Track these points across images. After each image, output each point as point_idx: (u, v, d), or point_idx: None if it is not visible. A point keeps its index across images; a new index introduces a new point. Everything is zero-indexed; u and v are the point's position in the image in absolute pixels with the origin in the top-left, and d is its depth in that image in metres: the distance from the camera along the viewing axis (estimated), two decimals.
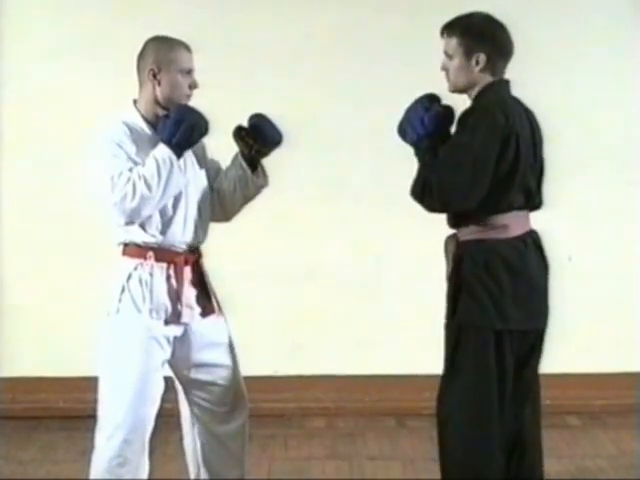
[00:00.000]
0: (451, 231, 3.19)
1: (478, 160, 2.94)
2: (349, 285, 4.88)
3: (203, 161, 3.23)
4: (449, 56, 3.07)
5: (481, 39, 3.02)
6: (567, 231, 4.84)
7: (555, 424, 4.47)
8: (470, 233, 3.07)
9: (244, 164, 3.17)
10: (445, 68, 3.09)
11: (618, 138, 4.88)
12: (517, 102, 3.12)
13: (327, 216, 4.84)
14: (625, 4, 4.81)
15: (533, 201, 3.11)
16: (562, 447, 4.32)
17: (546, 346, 4.68)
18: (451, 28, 3.07)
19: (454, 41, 3.05)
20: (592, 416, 4.78)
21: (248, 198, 3.25)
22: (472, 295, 3.03)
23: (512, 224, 3.05)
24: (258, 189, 3.23)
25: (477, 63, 3.03)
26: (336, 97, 4.81)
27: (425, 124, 3.02)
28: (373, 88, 4.78)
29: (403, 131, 3.10)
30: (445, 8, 4.70)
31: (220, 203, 3.25)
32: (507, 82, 3.12)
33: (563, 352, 4.80)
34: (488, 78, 3.06)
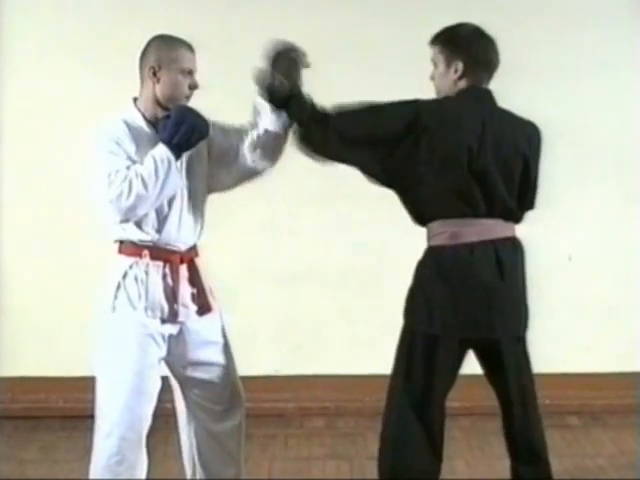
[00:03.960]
0: None
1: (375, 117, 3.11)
2: (349, 285, 4.88)
3: (220, 137, 3.19)
4: (434, 65, 3.18)
5: (459, 48, 3.12)
6: (567, 231, 4.85)
7: (555, 424, 4.47)
8: (428, 238, 3.16)
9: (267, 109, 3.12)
10: (432, 77, 3.21)
11: (618, 139, 4.88)
12: (477, 109, 3.10)
13: (327, 216, 4.84)
14: (626, 8, 4.82)
15: (481, 209, 3.07)
16: (562, 447, 4.32)
17: (547, 346, 4.69)
18: (436, 38, 3.18)
19: (437, 49, 3.16)
20: (592, 416, 4.78)
21: (286, 131, 3.19)
22: (411, 298, 3.16)
23: (462, 231, 3.07)
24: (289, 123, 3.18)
25: (456, 71, 3.11)
26: (336, 97, 4.81)
27: None
28: (373, 89, 4.77)
29: None
30: (444, 10, 4.77)
31: (265, 151, 3.17)
32: (484, 90, 3.16)
33: (563, 352, 4.82)
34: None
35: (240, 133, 3.21)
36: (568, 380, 4.80)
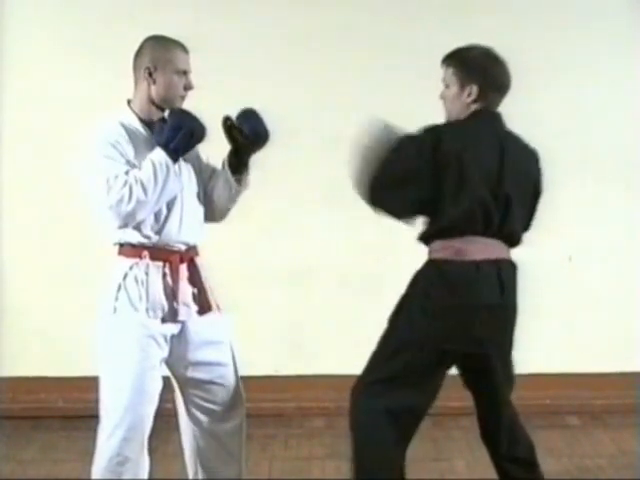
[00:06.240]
0: None
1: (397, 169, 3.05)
2: (349, 285, 4.88)
3: (196, 161, 3.23)
4: (446, 85, 3.15)
5: (475, 71, 3.09)
6: (567, 231, 4.85)
7: (555, 424, 4.47)
8: (429, 252, 3.15)
9: (227, 166, 3.17)
10: (443, 97, 3.17)
11: (618, 139, 4.88)
12: (494, 133, 3.12)
13: (327, 216, 4.84)
14: (626, 9, 4.82)
15: (492, 230, 3.08)
16: (562, 447, 4.31)
17: (547, 346, 4.69)
18: (449, 59, 3.15)
19: (450, 71, 3.13)
20: (592, 416, 4.77)
21: (232, 200, 3.25)
22: (407, 306, 3.14)
23: (467, 249, 3.06)
24: (238, 191, 3.23)
25: (469, 95, 3.10)
26: (336, 97, 4.81)
27: None
28: (373, 88, 4.78)
29: None
30: (442, 10, 4.77)
31: (211, 206, 3.24)
32: (496, 114, 3.15)
33: (563, 352, 4.82)
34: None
35: (210, 177, 3.25)
36: (568, 380, 4.79)
